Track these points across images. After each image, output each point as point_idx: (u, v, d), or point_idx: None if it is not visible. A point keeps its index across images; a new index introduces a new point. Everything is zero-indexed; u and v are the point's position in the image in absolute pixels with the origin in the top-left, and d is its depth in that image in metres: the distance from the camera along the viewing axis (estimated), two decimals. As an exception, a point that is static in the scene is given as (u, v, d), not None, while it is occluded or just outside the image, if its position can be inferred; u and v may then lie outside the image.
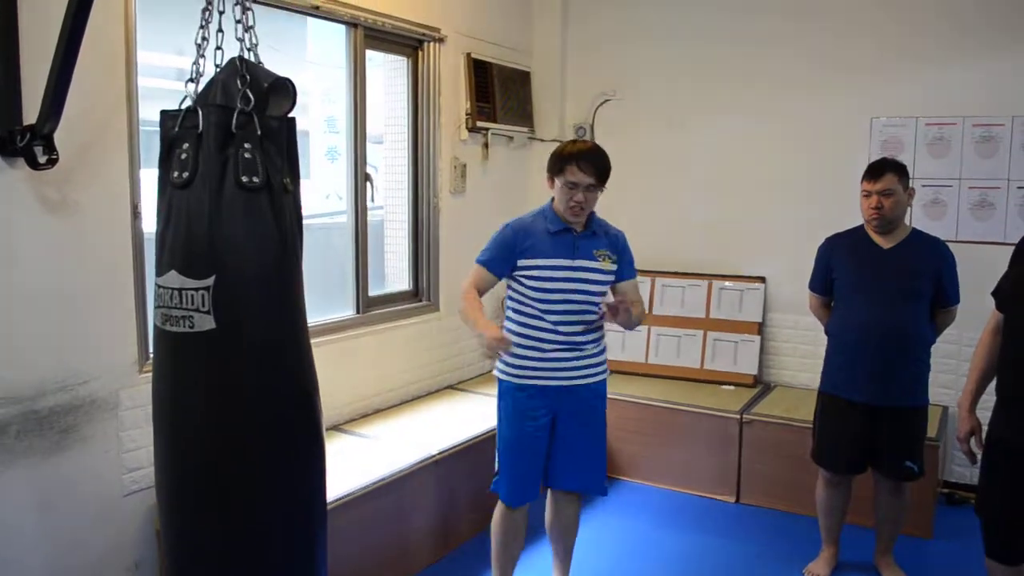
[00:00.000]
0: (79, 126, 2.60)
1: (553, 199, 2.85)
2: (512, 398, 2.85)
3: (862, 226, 3.20)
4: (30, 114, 2.41)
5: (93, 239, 2.70)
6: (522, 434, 2.83)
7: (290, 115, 2.08)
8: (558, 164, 2.78)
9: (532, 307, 2.80)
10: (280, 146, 2.05)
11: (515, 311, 2.87)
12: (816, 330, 3.54)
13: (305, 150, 4.98)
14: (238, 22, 1.96)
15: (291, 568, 2.18)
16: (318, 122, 5.06)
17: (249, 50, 1.98)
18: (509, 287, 2.89)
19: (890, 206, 3.05)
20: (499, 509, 2.96)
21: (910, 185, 3.12)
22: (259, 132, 1.99)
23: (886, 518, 3.28)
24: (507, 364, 2.85)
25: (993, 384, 2.51)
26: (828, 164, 4.32)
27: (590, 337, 2.84)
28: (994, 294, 2.54)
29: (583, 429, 2.87)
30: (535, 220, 2.85)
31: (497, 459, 2.92)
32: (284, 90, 2.03)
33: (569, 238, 2.81)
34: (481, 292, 2.85)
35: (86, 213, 2.67)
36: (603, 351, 2.92)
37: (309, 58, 4.72)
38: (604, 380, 2.93)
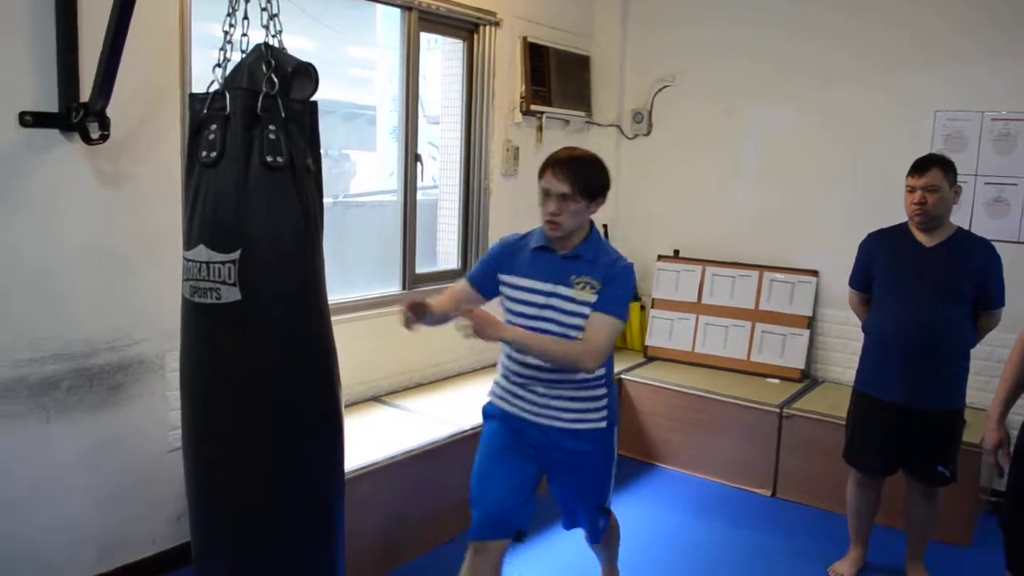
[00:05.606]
0: (134, 104, 2.76)
1: None
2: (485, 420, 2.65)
3: (906, 223, 3.11)
4: (88, 92, 2.56)
5: (145, 210, 2.87)
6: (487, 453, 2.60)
7: (312, 99, 2.17)
8: (539, 171, 2.47)
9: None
10: (303, 128, 2.16)
11: None
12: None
13: (372, 127, 5.13)
14: (263, 10, 2.06)
15: (311, 536, 2.29)
16: (385, 101, 5.18)
17: (274, 36, 2.08)
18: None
19: (933, 202, 2.95)
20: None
21: (957, 182, 3.02)
22: (283, 115, 2.09)
23: (916, 522, 3.22)
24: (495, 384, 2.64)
25: None
26: (889, 158, 4.17)
27: (560, 376, 2.44)
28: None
29: (564, 476, 2.60)
30: (528, 236, 2.55)
31: None
32: (307, 75, 2.12)
33: (548, 258, 2.45)
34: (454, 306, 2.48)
35: (139, 186, 2.84)
36: (590, 398, 2.49)
37: (377, 40, 4.84)
38: (586, 429, 2.50)
